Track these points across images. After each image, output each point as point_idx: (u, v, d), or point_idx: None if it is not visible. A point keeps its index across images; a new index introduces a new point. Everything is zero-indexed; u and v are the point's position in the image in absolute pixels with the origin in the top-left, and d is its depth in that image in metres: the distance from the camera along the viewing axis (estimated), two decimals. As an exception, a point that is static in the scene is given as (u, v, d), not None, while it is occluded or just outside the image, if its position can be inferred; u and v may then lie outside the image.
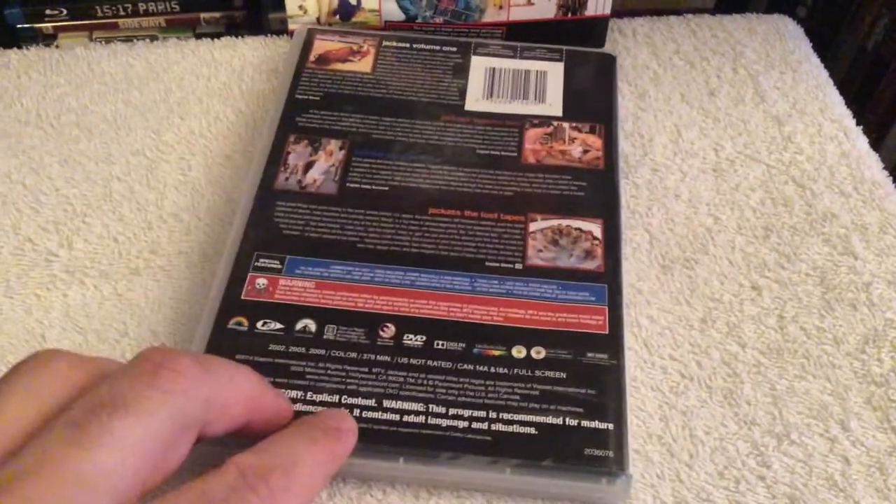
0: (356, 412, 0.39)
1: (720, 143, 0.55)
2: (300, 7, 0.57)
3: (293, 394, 0.39)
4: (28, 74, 0.57)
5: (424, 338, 0.42)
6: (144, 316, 0.45)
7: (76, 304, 0.46)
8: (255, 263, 0.44)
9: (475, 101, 0.53)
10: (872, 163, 0.54)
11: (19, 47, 0.59)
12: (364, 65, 0.55)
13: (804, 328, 0.46)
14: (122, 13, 0.62)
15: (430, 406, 0.39)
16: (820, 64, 0.60)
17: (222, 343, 0.41)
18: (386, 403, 0.39)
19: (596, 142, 0.51)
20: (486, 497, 0.39)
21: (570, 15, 0.58)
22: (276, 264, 0.44)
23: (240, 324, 0.42)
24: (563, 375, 0.41)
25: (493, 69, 0.55)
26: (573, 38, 0.58)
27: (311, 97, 0.52)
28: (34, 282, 0.47)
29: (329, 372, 0.40)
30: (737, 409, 0.43)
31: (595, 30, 0.59)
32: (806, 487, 0.40)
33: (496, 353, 0.41)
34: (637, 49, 0.60)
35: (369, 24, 0.58)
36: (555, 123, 0.52)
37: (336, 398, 0.39)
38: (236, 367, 0.33)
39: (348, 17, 0.58)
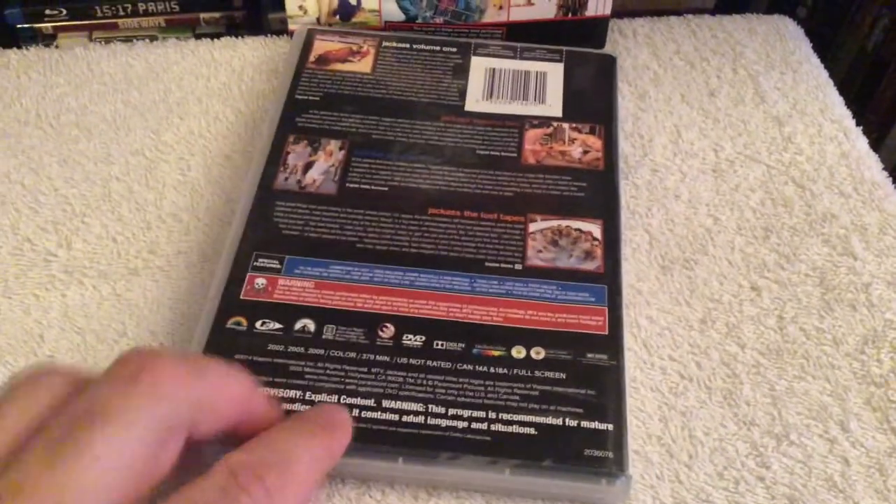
0: (355, 412, 0.39)
1: (720, 144, 0.55)
2: (300, 7, 0.57)
3: (292, 393, 0.39)
4: (28, 74, 0.57)
5: (424, 338, 0.42)
6: (143, 316, 0.45)
7: (75, 305, 0.46)
8: (255, 263, 0.44)
9: (475, 101, 0.53)
10: (872, 163, 0.54)
11: (19, 47, 0.59)
12: (364, 65, 0.55)
13: (804, 329, 0.46)
14: (121, 13, 0.62)
15: (430, 406, 0.39)
16: (820, 64, 0.60)
17: (221, 343, 0.41)
18: (385, 403, 0.39)
19: (596, 142, 0.51)
20: (486, 497, 0.39)
21: (570, 15, 0.58)
22: (275, 264, 0.44)
23: (239, 324, 0.42)
24: (563, 376, 0.41)
25: (493, 70, 0.55)
26: (573, 38, 0.58)
27: (310, 97, 0.52)
28: (33, 282, 0.47)
29: (328, 372, 0.40)
30: (736, 410, 0.43)
31: (595, 30, 0.59)
32: (805, 488, 0.40)
33: (496, 353, 0.41)
34: (637, 49, 0.60)
35: (369, 25, 0.58)
36: (555, 124, 0.52)
37: (335, 398, 0.39)
38: (225, 367, 0.32)
39: (348, 17, 0.58)
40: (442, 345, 0.42)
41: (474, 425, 0.39)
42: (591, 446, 0.38)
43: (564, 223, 0.47)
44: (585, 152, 0.51)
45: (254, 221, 0.46)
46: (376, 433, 0.38)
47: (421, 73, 0.55)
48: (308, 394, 0.39)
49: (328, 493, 0.39)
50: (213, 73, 0.58)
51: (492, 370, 0.41)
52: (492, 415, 0.39)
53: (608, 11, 0.58)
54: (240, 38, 0.60)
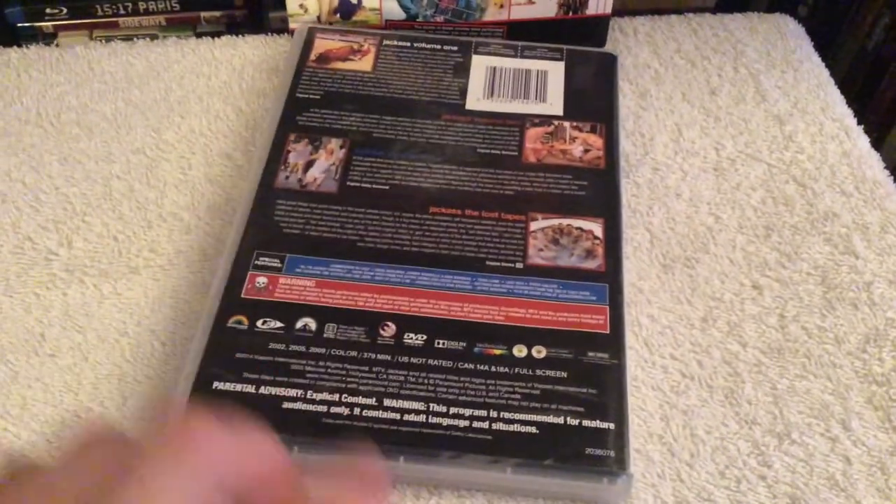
0: (356, 410, 0.39)
1: (721, 143, 0.55)
2: (301, 6, 0.57)
3: (293, 392, 0.39)
4: (28, 73, 0.57)
5: (425, 337, 0.42)
6: (144, 315, 0.45)
7: (76, 303, 0.46)
8: (256, 262, 0.44)
9: (476, 100, 0.53)
10: (873, 162, 0.54)
11: (19, 46, 0.59)
12: (365, 64, 0.55)
13: (805, 327, 0.46)
14: (122, 12, 0.62)
15: (431, 405, 0.39)
16: (821, 63, 0.60)
17: (222, 342, 0.41)
18: (386, 402, 0.39)
19: (597, 141, 0.51)
20: (487, 496, 0.39)
21: (571, 14, 0.58)
22: (276, 263, 0.44)
23: (240, 322, 0.42)
24: (564, 375, 0.41)
25: (494, 68, 0.55)
26: (574, 37, 0.58)
27: (311, 96, 0.52)
28: (34, 280, 0.47)
29: (329, 371, 0.40)
30: (738, 409, 0.43)
31: (596, 29, 0.59)
32: (807, 487, 0.40)
33: (497, 352, 0.41)
34: (638, 48, 0.60)
35: (370, 23, 0.58)
36: (555, 122, 0.52)
37: (336, 397, 0.39)
38: (267, 440, 0.31)
39: (349, 15, 0.58)
40: (443, 344, 0.41)
41: (476, 424, 0.39)
42: (593, 445, 0.38)
43: (565, 222, 0.47)
44: (586, 151, 0.50)
45: (255, 220, 0.46)
46: (378, 432, 0.38)
47: (422, 71, 0.54)
48: (309, 392, 0.39)
49: (329, 492, 0.39)
50: (213, 72, 0.58)
51: (493, 369, 0.41)
52: (493, 414, 0.39)
53: (609, 10, 0.58)
54: (240, 36, 0.60)
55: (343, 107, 0.52)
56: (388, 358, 0.41)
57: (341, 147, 0.50)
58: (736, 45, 0.61)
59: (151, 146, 0.53)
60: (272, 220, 0.46)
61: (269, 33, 0.61)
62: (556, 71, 0.55)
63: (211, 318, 0.42)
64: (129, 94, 0.56)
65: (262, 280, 0.44)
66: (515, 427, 0.39)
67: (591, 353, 0.41)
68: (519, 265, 0.45)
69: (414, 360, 0.41)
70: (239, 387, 0.40)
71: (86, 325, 0.45)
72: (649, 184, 0.52)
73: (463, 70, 0.55)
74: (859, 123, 0.56)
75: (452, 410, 0.39)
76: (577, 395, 0.40)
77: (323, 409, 0.39)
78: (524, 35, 0.58)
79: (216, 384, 0.40)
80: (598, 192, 0.48)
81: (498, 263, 0.45)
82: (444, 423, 0.39)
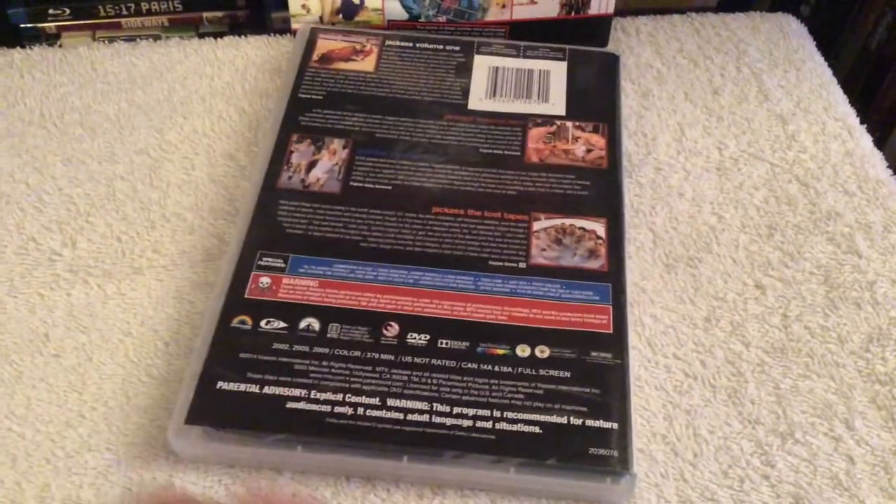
0: (360, 410, 0.39)
1: (724, 142, 0.55)
2: (303, 6, 0.57)
3: (297, 392, 0.39)
4: (31, 74, 0.57)
5: (428, 337, 0.42)
6: (148, 315, 0.45)
7: (79, 304, 0.46)
8: (259, 262, 0.44)
9: (478, 100, 0.53)
10: (876, 161, 0.54)
11: (23, 47, 0.59)
12: (367, 64, 0.55)
13: (808, 327, 0.46)
14: (124, 13, 0.62)
15: (434, 405, 0.39)
16: (823, 62, 0.60)
17: (226, 342, 0.41)
18: (390, 402, 0.39)
19: (599, 141, 0.51)
20: (491, 496, 0.39)
21: (573, 14, 0.58)
22: (279, 263, 0.44)
23: (243, 322, 0.42)
24: (568, 374, 0.41)
25: (497, 68, 0.55)
26: (576, 37, 0.58)
27: (314, 96, 0.52)
28: (38, 281, 0.47)
29: (333, 370, 0.40)
30: (741, 408, 0.43)
31: (598, 29, 0.59)
32: (810, 486, 0.40)
33: (500, 352, 0.41)
34: (640, 48, 0.60)
35: (372, 24, 0.58)
36: (558, 122, 0.52)
37: (340, 396, 0.39)
38: None
39: (351, 16, 0.58)
40: (446, 343, 0.42)
41: (479, 424, 0.39)
42: (596, 445, 0.38)
43: (568, 221, 0.47)
44: (589, 151, 0.51)
45: (258, 220, 0.46)
46: (381, 432, 0.38)
47: (424, 71, 0.54)
48: (313, 392, 0.39)
49: (333, 492, 0.39)
50: (216, 73, 0.58)
51: (496, 369, 0.41)
52: (496, 413, 0.39)
53: (611, 10, 0.58)
54: (243, 37, 0.60)
55: (346, 107, 0.52)
56: (392, 358, 0.41)
57: (344, 147, 0.50)
58: (738, 45, 0.61)
59: (154, 147, 0.53)
60: (275, 220, 0.46)
61: (272, 34, 0.61)
62: (558, 71, 0.55)
63: (215, 319, 0.42)
64: (132, 94, 0.56)
65: (265, 280, 0.44)
66: (519, 427, 0.39)
67: (594, 353, 0.41)
68: (522, 265, 0.45)
69: (417, 359, 0.41)
70: (243, 387, 0.40)
71: (90, 325, 0.45)
72: (652, 183, 0.52)
73: (465, 70, 0.55)
74: (862, 123, 0.56)
75: (456, 410, 0.39)
76: (581, 395, 0.40)
77: (326, 408, 0.39)
78: (526, 35, 0.58)
79: (220, 384, 0.40)
80: (601, 191, 0.48)
81: (501, 263, 0.45)
82: (448, 423, 0.39)
